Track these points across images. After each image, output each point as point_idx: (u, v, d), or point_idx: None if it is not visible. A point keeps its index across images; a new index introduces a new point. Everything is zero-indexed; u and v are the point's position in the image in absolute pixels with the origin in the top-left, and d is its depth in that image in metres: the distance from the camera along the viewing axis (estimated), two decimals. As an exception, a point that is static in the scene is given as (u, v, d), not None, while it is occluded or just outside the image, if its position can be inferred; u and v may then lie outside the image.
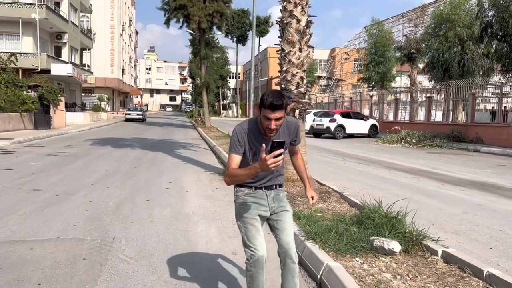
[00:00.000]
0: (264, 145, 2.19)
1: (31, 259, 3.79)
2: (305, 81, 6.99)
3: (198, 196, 6.81)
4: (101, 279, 3.38)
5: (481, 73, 19.62)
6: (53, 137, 18.27)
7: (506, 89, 18.01)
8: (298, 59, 6.81)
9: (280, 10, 6.99)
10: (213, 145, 14.72)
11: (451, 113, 20.34)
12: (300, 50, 6.83)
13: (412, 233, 4.12)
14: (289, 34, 6.80)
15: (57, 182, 7.61)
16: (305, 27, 6.86)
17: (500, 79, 17.73)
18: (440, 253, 3.84)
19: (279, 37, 7.10)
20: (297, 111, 6.79)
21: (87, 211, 5.58)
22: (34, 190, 6.84)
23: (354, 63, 48.81)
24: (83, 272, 3.52)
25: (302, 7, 6.78)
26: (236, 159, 2.54)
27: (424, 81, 30.19)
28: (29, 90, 21.13)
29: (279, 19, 7.00)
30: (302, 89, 6.90)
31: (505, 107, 17.68)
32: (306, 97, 7.07)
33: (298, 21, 6.76)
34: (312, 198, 2.87)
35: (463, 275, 3.45)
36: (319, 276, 3.40)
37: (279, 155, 2.13)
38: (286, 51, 6.86)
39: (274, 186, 2.71)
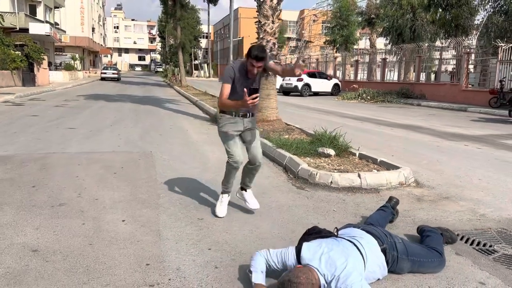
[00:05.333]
0: (245, 89, 3.24)
1: (105, 159, 6.08)
2: (276, 46, 9.27)
3: (196, 133, 9.13)
4: (157, 166, 5.72)
5: (429, 38, 22.27)
6: (46, 93, 19.94)
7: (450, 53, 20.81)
8: (271, 29, 9.06)
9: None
10: (196, 100, 16.87)
11: (403, 73, 23.12)
12: (273, 22, 9.07)
13: (343, 146, 6.63)
14: (264, 10, 9.00)
15: (82, 124, 9.73)
16: (276, 4, 9.07)
17: (442, 43, 20.45)
18: (357, 154, 6.36)
19: (256, 11, 9.29)
20: (270, 69, 9.10)
21: (121, 140, 7.83)
22: (70, 128, 8.98)
23: (322, 25, 50.53)
24: (144, 163, 5.86)
25: (274, -11, 8.96)
26: (227, 88, 3.51)
27: (380, 43, 32.71)
28: (16, 49, 22.33)
29: (257, -2, 9.17)
30: (274, 52, 9.18)
31: (452, 69, 20.52)
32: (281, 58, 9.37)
33: (271, 0, 8.96)
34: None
35: (367, 163, 5.97)
36: (284, 163, 5.87)
37: (256, 97, 3.26)
38: (262, 22, 9.08)
39: (247, 115, 3.67)
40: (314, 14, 49.90)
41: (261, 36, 9.10)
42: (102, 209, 3.94)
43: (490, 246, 3.36)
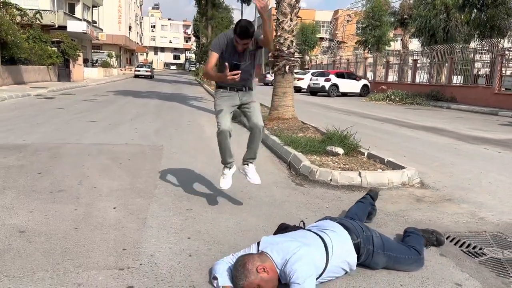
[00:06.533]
0: (226, 64, 3.22)
1: (116, 151, 6.24)
2: (294, 44, 9.23)
3: (212, 129, 9.21)
4: (163, 159, 5.83)
5: (462, 39, 21.54)
6: (78, 88, 20.65)
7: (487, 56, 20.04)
8: (289, 27, 9.04)
9: (277, -12, 9.13)
10: (220, 98, 17.01)
11: (434, 75, 22.47)
12: (291, 20, 9.04)
13: (352, 145, 6.53)
14: (283, 7, 8.98)
15: (104, 118, 10.02)
16: (295, 2, 9.04)
17: (477, 45, 19.73)
18: (365, 154, 6.26)
19: (275, 9, 9.29)
20: (287, 67, 9.07)
21: (136, 133, 8.02)
22: (91, 121, 9.26)
23: (356, 26, 49.76)
24: (151, 156, 5.99)
25: (293, -13, 8.92)
26: (214, 57, 3.46)
27: (414, 44, 31.94)
28: (52, 46, 23.24)
29: (276, -5, 9.16)
30: (292, 50, 9.15)
31: (486, 72, 19.77)
32: (299, 56, 9.33)
33: (290, -3, 8.93)
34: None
35: (374, 162, 5.86)
36: (289, 160, 5.84)
37: (236, 74, 3.22)
38: (280, 20, 9.06)
39: (243, 88, 3.65)
40: (348, 15, 49.31)
41: (279, 33, 9.09)
42: (97, 196, 4.06)
43: (480, 249, 3.24)
